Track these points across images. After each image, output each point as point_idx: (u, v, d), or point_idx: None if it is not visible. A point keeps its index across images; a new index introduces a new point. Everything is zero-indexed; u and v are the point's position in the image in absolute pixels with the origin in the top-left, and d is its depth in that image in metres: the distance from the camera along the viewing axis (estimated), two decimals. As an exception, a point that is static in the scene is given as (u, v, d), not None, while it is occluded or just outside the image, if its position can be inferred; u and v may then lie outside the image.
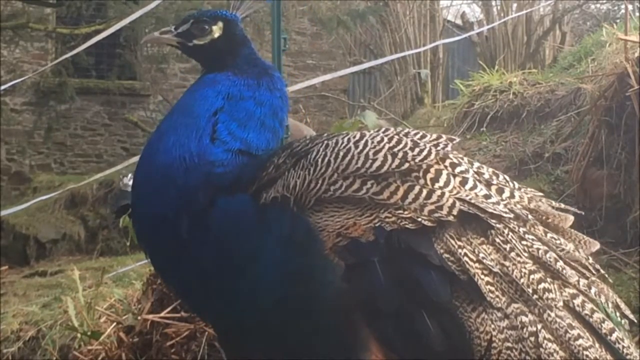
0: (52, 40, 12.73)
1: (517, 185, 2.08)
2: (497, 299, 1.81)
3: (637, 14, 11.46)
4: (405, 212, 1.82)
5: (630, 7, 11.25)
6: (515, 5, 12.30)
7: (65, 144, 13.68)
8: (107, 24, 11.37)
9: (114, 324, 3.62)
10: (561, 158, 3.59)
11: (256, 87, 2.14)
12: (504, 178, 2.07)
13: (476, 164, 2.06)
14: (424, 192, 1.85)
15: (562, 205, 2.08)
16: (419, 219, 1.81)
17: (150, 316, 3.36)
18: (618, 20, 14.46)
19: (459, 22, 14.17)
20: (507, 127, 3.94)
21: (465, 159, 2.05)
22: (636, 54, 3.13)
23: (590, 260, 2.05)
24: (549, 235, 2.00)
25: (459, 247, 1.82)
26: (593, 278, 2.01)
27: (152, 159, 2.07)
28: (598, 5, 14.84)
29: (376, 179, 1.86)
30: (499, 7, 12.52)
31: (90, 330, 3.72)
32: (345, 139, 1.97)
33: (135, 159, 6.17)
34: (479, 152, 3.85)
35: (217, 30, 2.20)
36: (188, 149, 2.01)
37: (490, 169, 2.07)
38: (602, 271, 2.06)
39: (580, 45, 4.76)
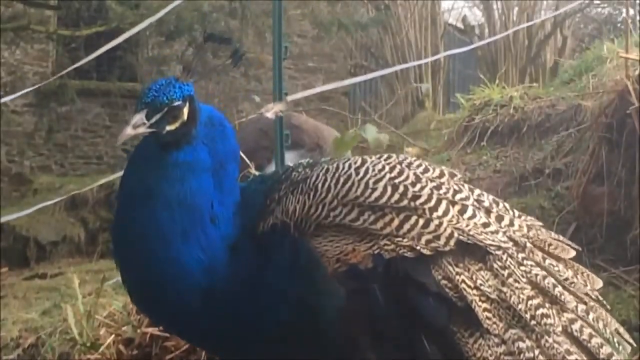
0: (53, 42, 12.73)
1: (517, 214, 2.08)
2: (495, 325, 1.82)
3: (638, 17, 11.46)
4: (404, 240, 1.82)
5: (631, 11, 11.25)
6: (516, 8, 12.30)
7: (66, 146, 13.67)
8: (108, 26, 11.38)
9: (113, 335, 3.62)
10: (561, 174, 3.58)
11: (231, 153, 2.04)
12: (504, 206, 2.07)
13: (477, 191, 2.06)
14: (421, 221, 1.86)
15: (562, 238, 2.08)
16: (417, 247, 1.82)
17: (150, 329, 3.35)
18: (619, 25, 14.46)
19: (460, 25, 14.15)
20: (507, 142, 3.93)
21: (466, 185, 2.05)
22: (637, 72, 3.13)
23: (589, 287, 2.05)
24: (547, 261, 2.00)
25: (457, 273, 1.83)
26: (591, 303, 2.01)
27: (157, 263, 1.91)
28: (599, 9, 14.84)
29: (373, 210, 1.87)
30: (500, 11, 12.52)
31: (90, 341, 3.72)
32: (347, 165, 1.98)
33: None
34: (479, 167, 3.84)
35: (185, 111, 1.99)
36: (200, 247, 1.91)
37: (491, 197, 2.08)
38: (600, 298, 2.06)
39: (581, 59, 4.76)
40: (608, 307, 2.06)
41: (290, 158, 5.60)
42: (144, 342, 3.38)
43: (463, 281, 1.82)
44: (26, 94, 12.05)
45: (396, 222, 1.85)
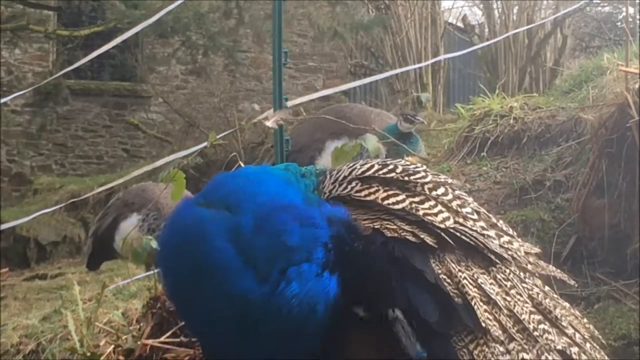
0: (52, 42, 12.72)
1: (514, 234, 2.07)
2: (495, 328, 1.75)
3: (638, 17, 11.45)
4: (407, 226, 1.79)
5: (631, 10, 11.22)
6: (516, 8, 12.28)
7: (66, 145, 13.68)
8: (106, 26, 11.37)
9: (113, 346, 3.62)
10: (562, 186, 3.56)
11: None
12: (502, 223, 2.06)
13: (476, 204, 2.05)
14: (418, 199, 1.82)
15: (558, 271, 2.06)
16: (421, 235, 1.78)
17: (150, 341, 3.35)
18: (618, 24, 14.44)
19: (460, 24, 14.14)
20: (507, 153, 3.91)
21: (470, 198, 2.04)
22: (637, 85, 3.11)
23: (585, 320, 2.03)
24: (546, 287, 1.98)
25: (459, 270, 1.75)
26: (586, 335, 1.98)
27: None
28: (599, 8, 14.82)
29: (361, 180, 1.85)
30: (500, 10, 12.50)
31: (90, 351, 3.72)
32: (346, 166, 1.99)
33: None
34: (479, 178, 3.81)
35: None
36: None
37: (490, 213, 2.06)
38: (596, 333, 2.04)
39: (580, 69, 4.73)
40: (604, 343, 2.04)
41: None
42: (144, 354, 3.38)
43: (465, 278, 1.72)
44: (25, 94, 12.11)
45: (380, 190, 1.82)
